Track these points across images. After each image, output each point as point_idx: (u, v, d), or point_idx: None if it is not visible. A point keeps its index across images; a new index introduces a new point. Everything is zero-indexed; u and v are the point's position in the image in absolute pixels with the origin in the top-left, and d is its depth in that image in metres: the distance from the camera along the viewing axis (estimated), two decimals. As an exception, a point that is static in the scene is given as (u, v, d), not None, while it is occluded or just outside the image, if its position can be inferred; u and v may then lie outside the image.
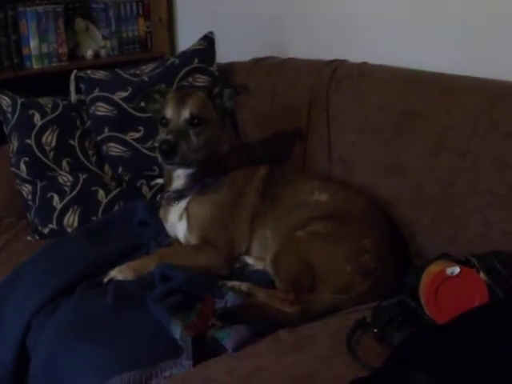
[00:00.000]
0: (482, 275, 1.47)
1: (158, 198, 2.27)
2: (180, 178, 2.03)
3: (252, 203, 2.00)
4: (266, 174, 2.05)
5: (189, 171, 2.01)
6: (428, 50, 2.21)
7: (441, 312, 1.44)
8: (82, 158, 2.39)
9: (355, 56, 2.32)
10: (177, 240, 2.08)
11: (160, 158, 1.93)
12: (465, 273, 1.45)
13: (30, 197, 2.35)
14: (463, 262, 1.52)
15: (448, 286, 1.44)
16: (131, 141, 2.39)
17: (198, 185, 2.02)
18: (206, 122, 1.98)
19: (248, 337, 1.59)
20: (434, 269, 1.48)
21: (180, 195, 2.04)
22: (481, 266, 1.49)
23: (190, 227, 2.01)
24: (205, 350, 1.57)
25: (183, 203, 2.04)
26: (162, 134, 1.97)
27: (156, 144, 2.00)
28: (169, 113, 1.98)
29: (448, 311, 1.40)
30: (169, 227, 2.09)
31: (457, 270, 1.44)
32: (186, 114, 1.96)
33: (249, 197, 2.01)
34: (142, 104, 2.16)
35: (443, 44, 2.18)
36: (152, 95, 2.11)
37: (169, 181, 2.08)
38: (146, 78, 2.43)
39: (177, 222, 2.05)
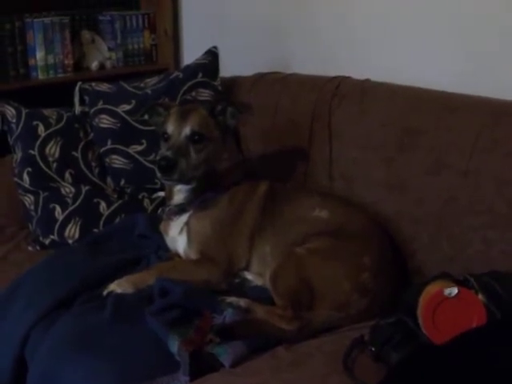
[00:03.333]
0: (480, 296, 1.47)
1: (159, 211, 2.28)
2: (181, 192, 2.04)
3: (252, 219, 2.00)
4: (267, 190, 2.05)
5: (189, 186, 2.01)
6: (431, 67, 2.22)
7: (438, 332, 1.43)
8: (84, 169, 2.40)
9: (359, 71, 2.33)
10: (177, 254, 2.08)
11: (158, 174, 1.93)
12: (463, 294, 1.44)
13: (32, 207, 2.36)
14: (462, 282, 1.52)
15: (446, 307, 1.44)
16: (134, 153, 2.40)
17: (198, 200, 2.02)
18: (206, 139, 1.98)
19: (245, 353, 1.60)
20: (432, 289, 1.48)
21: (181, 209, 2.04)
22: (479, 287, 1.49)
23: (189, 242, 2.01)
24: (202, 365, 1.57)
25: (184, 217, 2.04)
26: (163, 149, 1.98)
27: (157, 158, 2.00)
28: (170, 128, 1.99)
29: (445, 332, 1.40)
30: (169, 241, 2.10)
31: (455, 291, 1.44)
32: (187, 130, 1.97)
33: (249, 212, 2.01)
34: (146, 117, 2.17)
35: (446, 62, 2.19)
36: (156, 108, 2.11)
37: (170, 195, 2.09)
38: (149, 92, 2.44)
39: (177, 236, 2.05)
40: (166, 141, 1.98)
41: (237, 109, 2.03)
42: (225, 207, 2.01)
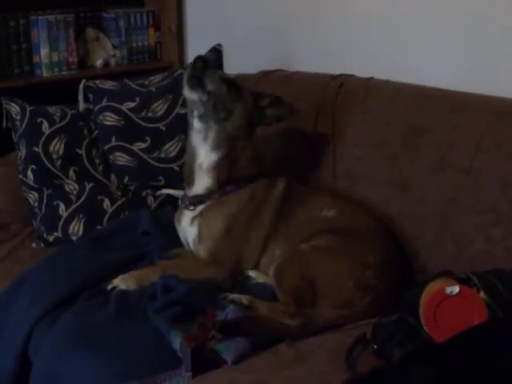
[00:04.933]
0: (481, 294, 1.47)
1: (179, 202, 2.21)
2: (203, 179, 1.99)
3: (269, 222, 1.97)
4: (284, 189, 2.02)
5: (213, 161, 1.97)
6: (431, 67, 2.22)
7: (439, 330, 1.44)
8: (88, 166, 2.41)
9: (362, 70, 2.33)
10: (180, 251, 2.07)
11: (185, 79, 1.90)
12: (464, 292, 1.45)
13: (36, 204, 2.36)
14: (464, 280, 1.52)
15: (447, 305, 1.44)
16: (138, 151, 2.40)
17: (217, 193, 1.99)
18: (239, 99, 1.96)
19: (248, 350, 1.60)
20: (433, 287, 1.49)
21: (199, 201, 2.01)
22: (481, 285, 1.49)
23: (200, 238, 1.99)
24: (204, 361, 1.57)
25: (199, 208, 2.01)
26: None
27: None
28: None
29: (446, 330, 1.41)
30: (180, 231, 2.07)
31: (456, 289, 1.44)
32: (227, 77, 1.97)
33: (266, 215, 1.98)
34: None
35: (446, 61, 2.19)
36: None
37: (190, 181, 2.03)
38: (153, 89, 2.45)
39: (188, 228, 2.03)
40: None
41: (279, 113, 2.04)
42: (242, 207, 1.98)
